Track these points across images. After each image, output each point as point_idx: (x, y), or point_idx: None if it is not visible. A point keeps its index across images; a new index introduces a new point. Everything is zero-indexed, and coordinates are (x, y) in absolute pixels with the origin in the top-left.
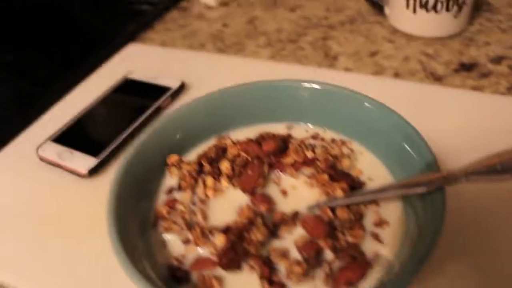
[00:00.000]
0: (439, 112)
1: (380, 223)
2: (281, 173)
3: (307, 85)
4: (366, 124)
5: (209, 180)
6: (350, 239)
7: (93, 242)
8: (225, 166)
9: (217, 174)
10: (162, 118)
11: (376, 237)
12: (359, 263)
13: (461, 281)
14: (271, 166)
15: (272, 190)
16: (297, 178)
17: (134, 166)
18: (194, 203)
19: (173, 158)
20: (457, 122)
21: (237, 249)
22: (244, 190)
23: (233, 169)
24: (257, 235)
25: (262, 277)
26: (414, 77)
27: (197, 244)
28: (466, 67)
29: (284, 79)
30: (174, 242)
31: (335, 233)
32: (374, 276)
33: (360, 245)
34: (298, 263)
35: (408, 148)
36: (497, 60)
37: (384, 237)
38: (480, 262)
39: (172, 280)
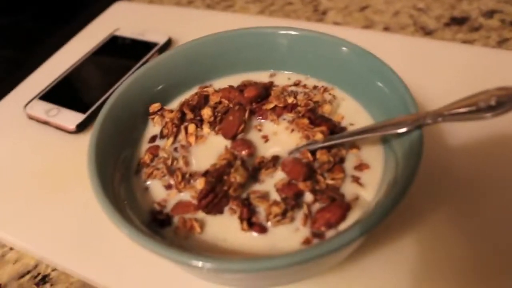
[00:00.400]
0: (429, 65)
1: (361, 166)
2: (262, 119)
3: (283, 31)
4: (346, 68)
5: (191, 127)
6: (330, 181)
7: (82, 194)
8: (206, 113)
9: (199, 121)
10: (143, 67)
11: (356, 180)
12: (338, 204)
13: (444, 228)
14: (253, 113)
15: (254, 136)
16: (278, 124)
17: (115, 115)
18: (176, 150)
19: (155, 107)
20: (447, 75)
21: (217, 191)
22: (225, 136)
23: (214, 116)
24: (236, 177)
25: (241, 218)
26: (404, 31)
27: (178, 189)
28: (457, 21)
29: (261, 26)
30: (156, 188)
31: (315, 175)
32: (353, 218)
33: (340, 187)
34: (276, 203)
35: (385, 88)
36: (489, 14)
37: (365, 180)
38: (461, 209)
39: (154, 224)
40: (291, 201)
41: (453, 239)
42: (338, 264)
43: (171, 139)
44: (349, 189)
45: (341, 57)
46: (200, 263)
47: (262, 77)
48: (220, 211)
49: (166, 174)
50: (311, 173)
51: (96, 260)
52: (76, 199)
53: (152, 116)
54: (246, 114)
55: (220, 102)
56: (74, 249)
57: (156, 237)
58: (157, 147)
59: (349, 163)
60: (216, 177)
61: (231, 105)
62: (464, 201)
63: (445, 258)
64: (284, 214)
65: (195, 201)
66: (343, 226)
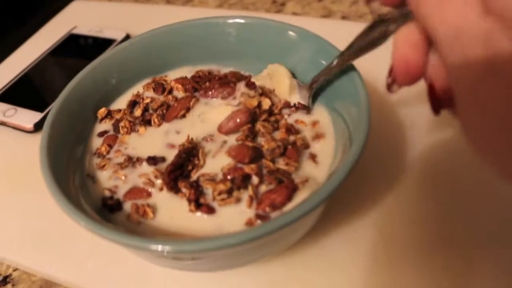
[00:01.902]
0: (387, 54)
1: (317, 137)
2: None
3: (230, 20)
4: (294, 52)
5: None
6: (283, 167)
7: (41, 192)
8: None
9: (148, 115)
10: (94, 61)
11: (313, 158)
12: (285, 186)
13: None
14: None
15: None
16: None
17: (67, 109)
18: (127, 141)
19: (102, 112)
20: None
21: (183, 169)
22: (167, 121)
23: (161, 109)
24: (201, 160)
25: (189, 199)
26: (362, 19)
27: (125, 176)
28: None
29: (208, 16)
30: (109, 176)
31: (261, 159)
32: (300, 198)
33: (292, 172)
34: (223, 181)
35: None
36: None
37: (321, 156)
38: (417, 190)
39: (105, 210)
40: (238, 181)
41: (409, 219)
42: (296, 244)
43: (124, 131)
44: (303, 168)
45: (289, 42)
46: (129, 242)
47: (213, 68)
48: (178, 190)
49: (120, 163)
50: (257, 156)
51: (57, 257)
52: (35, 198)
53: (102, 121)
54: (192, 102)
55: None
56: (34, 248)
57: (107, 224)
58: (115, 137)
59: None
60: (186, 155)
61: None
62: (419, 182)
63: (402, 237)
64: (229, 192)
65: (148, 188)
66: (290, 207)
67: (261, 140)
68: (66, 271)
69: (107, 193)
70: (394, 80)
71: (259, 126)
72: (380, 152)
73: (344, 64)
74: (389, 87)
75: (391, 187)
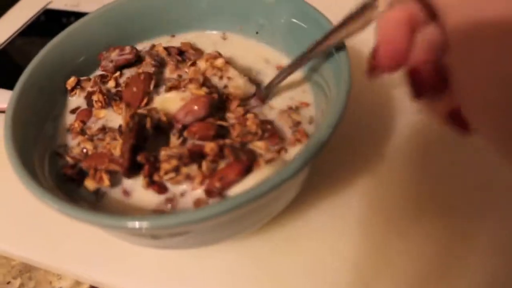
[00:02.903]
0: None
1: (302, 105)
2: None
3: None
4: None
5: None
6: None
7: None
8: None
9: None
10: (61, 33)
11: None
12: (240, 162)
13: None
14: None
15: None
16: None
17: (32, 87)
18: (102, 116)
19: (71, 82)
20: None
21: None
22: (133, 106)
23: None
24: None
25: (145, 175)
26: None
27: (94, 147)
28: None
29: None
30: (78, 147)
31: (224, 139)
32: (261, 173)
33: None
34: (168, 160)
35: (303, 24)
36: None
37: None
38: (402, 161)
39: (69, 183)
40: (185, 159)
41: (394, 189)
42: (279, 217)
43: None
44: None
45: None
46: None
47: (189, 37)
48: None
49: (93, 134)
50: (219, 134)
51: (35, 240)
52: (9, 180)
53: (72, 93)
54: (152, 84)
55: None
56: (12, 232)
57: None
58: (89, 112)
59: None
60: (139, 120)
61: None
62: (406, 151)
63: (387, 207)
64: (176, 170)
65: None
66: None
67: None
68: (44, 254)
69: (70, 161)
70: (377, 65)
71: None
72: (367, 122)
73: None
74: (371, 71)
75: (376, 158)
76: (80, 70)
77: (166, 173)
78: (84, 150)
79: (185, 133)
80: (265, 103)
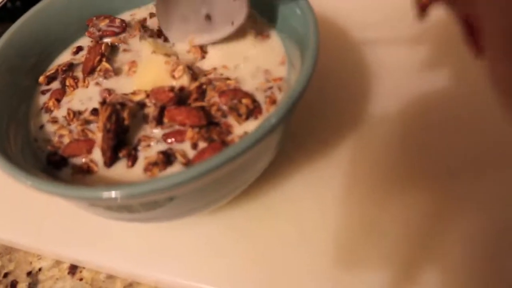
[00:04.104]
0: None
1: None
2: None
3: None
4: None
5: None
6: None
7: None
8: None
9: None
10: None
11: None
12: (216, 145)
13: None
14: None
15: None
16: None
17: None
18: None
19: (42, 80)
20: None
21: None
22: (84, 72)
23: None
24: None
25: (128, 166)
26: None
27: (69, 131)
28: None
29: None
30: (54, 132)
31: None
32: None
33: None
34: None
35: None
36: None
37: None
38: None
39: (50, 167)
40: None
41: (374, 158)
42: (257, 190)
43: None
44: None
45: None
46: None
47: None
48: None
49: (67, 117)
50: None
51: (14, 222)
52: None
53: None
54: (103, 47)
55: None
56: None
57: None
58: (63, 92)
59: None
60: (117, 118)
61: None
62: (386, 120)
63: (368, 176)
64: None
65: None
66: None
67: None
68: (24, 235)
69: (50, 149)
70: None
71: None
72: (342, 90)
73: None
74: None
75: (353, 126)
76: (53, 46)
77: (149, 163)
78: (61, 138)
79: (166, 119)
80: None
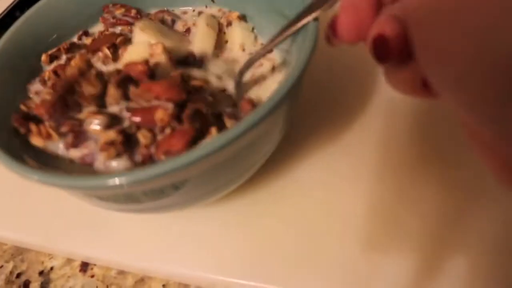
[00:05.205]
0: None
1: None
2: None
3: None
4: None
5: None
6: None
7: None
8: None
9: None
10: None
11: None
12: (184, 131)
13: None
14: None
15: None
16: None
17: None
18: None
19: (44, 59)
20: None
21: (67, 101)
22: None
23: None
24: (88, 88)
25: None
26: None
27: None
28: None
29: None
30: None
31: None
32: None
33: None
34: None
35: None
36: None
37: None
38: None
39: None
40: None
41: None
42: (264, 177)
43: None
44: None
45: None
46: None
47: None
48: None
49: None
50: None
51: (25, 222)
52: None
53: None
54: (118, 40)
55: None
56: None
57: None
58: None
59: None
60: (66, 87)
61: None
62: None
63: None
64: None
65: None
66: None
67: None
68: (35, 235)
69: (24, 108)
70: (336, 33)
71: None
72: (349, 76)
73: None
74: (329, 39)
75: (360, 112)
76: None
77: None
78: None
79: (139, 91)
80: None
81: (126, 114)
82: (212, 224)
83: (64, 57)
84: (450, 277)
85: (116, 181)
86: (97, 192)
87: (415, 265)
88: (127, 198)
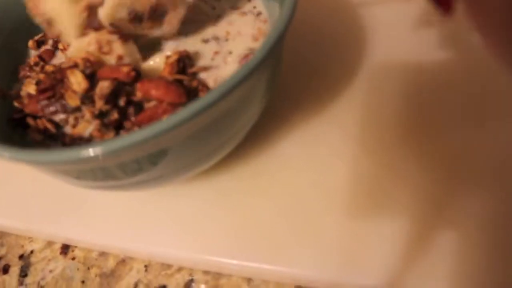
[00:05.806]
0: None
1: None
2: None
3: None
4: None
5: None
6: None
7: None
8: None
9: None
10: None
11: None
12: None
13: None
14: None
15: None
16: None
17: None
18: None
19: (31, 44)
20: None
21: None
22: None
23: None
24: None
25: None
26: None
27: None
28: None
29: None
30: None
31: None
32: None
33: None
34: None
35: None
36: None
37: None
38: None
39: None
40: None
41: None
42: (247, 152)
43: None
44: None
45: None
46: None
47: None
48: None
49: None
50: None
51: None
52: None
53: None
54: None
55: None
56: None
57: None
58: (52, 53)
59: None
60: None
61: None
62: (380, 76)
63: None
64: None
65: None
66: None
67: None
68: (13, 218)
69: (17, 105)
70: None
71: None
72: (336, 47)
73: None
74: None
75: (348, 83)
76: None
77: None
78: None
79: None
80: None
81: None
82: (194, 202)
83: (50, 42)
84: (442, 252)
85: (91, 152)
86: (75, 166)
87: (406, 236)
88: (105, 174)
